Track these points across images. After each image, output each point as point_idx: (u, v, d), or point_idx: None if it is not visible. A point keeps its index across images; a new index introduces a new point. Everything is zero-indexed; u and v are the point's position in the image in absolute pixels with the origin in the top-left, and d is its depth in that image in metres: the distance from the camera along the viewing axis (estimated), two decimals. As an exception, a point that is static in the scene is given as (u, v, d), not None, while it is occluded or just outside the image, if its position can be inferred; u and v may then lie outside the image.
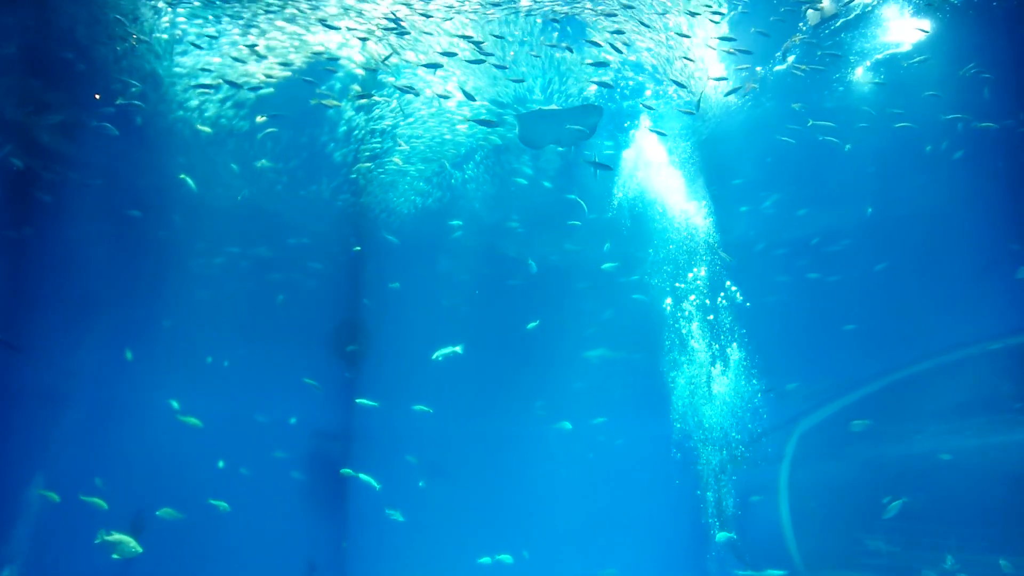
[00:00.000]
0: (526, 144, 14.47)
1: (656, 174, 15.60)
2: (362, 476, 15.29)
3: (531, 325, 17.36)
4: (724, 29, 12.86)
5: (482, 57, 12.29)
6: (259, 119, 13.98)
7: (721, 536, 15.93)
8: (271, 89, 13.07)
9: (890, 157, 14.84)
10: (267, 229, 16.97)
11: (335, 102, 13.12)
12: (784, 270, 17.83)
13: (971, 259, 16.22)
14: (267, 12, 11.95)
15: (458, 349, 15.00)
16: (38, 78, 13.31)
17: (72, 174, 14.60)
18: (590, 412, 19.11)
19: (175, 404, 14.80)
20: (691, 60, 13.22)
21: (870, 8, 12.75)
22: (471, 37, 12.36)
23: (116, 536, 10.59)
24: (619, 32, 12.40)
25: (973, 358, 15.57)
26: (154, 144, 14.46)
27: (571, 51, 13.06)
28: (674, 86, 13.78)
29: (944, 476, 14.70)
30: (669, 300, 16.73)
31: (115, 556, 10.58)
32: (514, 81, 13.49)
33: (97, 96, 13.88)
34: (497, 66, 12.83)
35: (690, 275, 16.46)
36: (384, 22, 11.96)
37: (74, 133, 14.28)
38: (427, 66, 12.28)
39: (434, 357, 15.13)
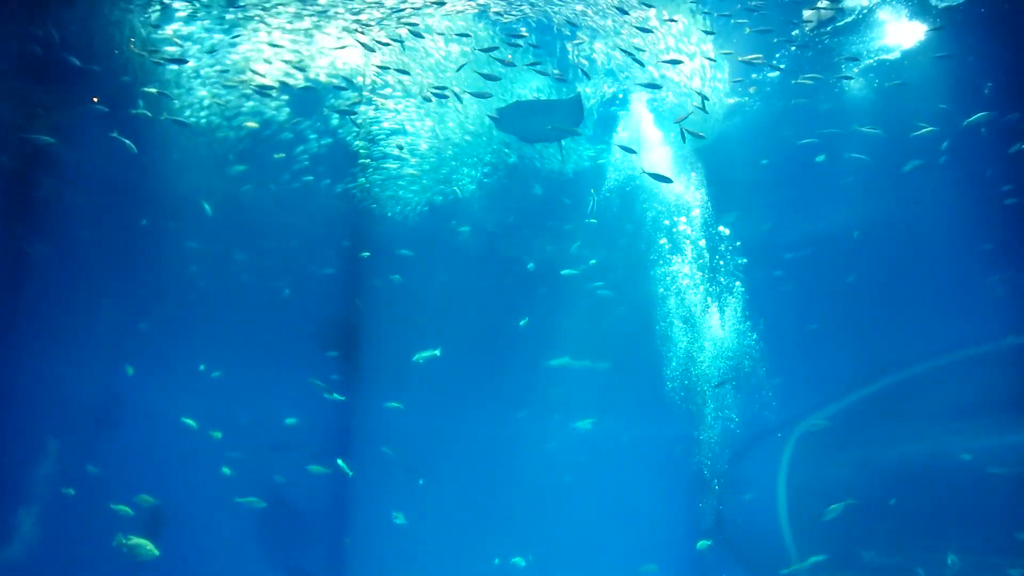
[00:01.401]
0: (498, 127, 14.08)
1: (649, 154, 15.30)
2: (339, 462, 15.31)
3: (523, 322, 17.48)
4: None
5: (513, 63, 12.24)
6: (249, 124, 13.97)
7: (702, 544, 15.94)
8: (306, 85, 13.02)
9: (888, 158, 15.10)
10: (263, 231, 16.92)
11: (357, 98, 13.10)
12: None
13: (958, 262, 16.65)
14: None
15: (436, 352, 15.08)
16: (39, 81, 13.20)
17: (69, 178, 14.47)
18: (586, 412, 19.25)
19: (192, 423, 14.69)
20: (712, 60, 13.20)
21: (865, 12, 12.98)
22: (523, 35, 12.30)
23: (134, 540, 10.53)
24: (646, 30, 12.26)
25: (971, 360, 15.92)
26: (153, 148, 14.34)
27: (588, 76, 13.06)
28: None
29: (942, 478, 15.00)
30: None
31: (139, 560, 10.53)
32: (557, 79, 13.22)
33: (96, 99, 13.78)
34: (530, 64, 12.70)
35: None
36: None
37: (72, 137, 14.16)
38: (484, 76, 12.14)
39: (415, 359, 15.20)
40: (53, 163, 14.31)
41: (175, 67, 12.55)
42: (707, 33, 12.54)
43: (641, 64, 12.78)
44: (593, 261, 17.41)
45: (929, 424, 15.85)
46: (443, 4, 12.12)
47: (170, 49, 12.29)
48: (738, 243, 16.72)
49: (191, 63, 12.64)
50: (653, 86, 13.44)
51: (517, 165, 15.58)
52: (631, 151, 13.23)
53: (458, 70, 12.97)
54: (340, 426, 18.31)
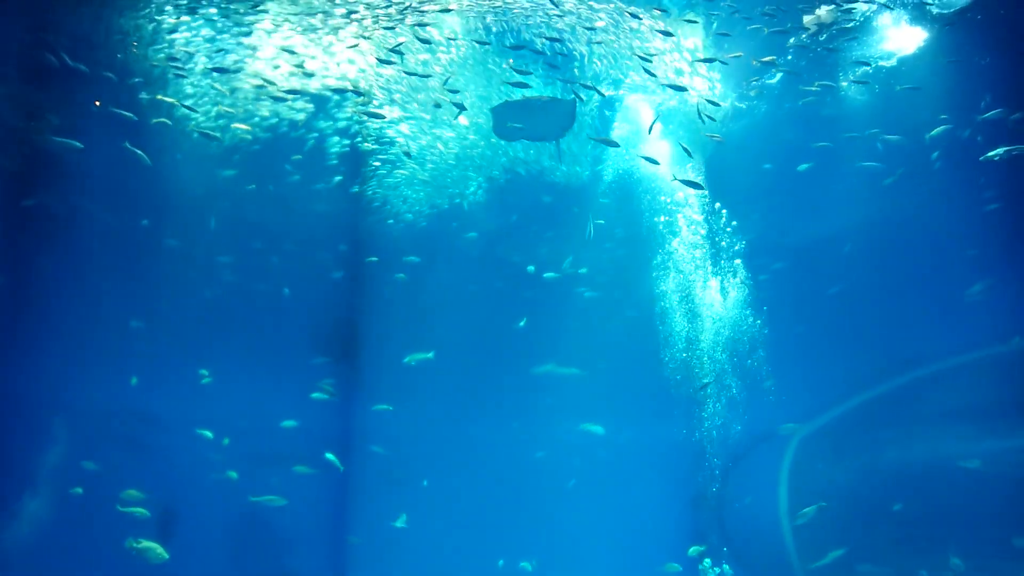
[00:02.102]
0: (501, 137, 14.19)
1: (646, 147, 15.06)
2: (328, 455, 15.34)
3: (522, 323, 17.56)
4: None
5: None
6: (239, 126, 13.96)
7: (694, 550, 15.89)
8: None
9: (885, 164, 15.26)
10: (257, 235, 16.90)
11: (364, 99, 13.15)
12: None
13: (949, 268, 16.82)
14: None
15: (429, 355, 15.10)
16: (42, 85, 13.13)
17: (73, 183, 14.40)
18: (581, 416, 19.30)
19: (209, 434, 14.71)
20: (727, 62, 13.30)
21: (865, 18, 13.12)
22: (554, 39, 12.38)
23: (144, 543, 10.52)
24: (668, 34, 12.39)
25: (969, 365, 16.06)
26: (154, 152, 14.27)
27: (604, 95, 13.07)
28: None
29: (941, 482, 15.12)
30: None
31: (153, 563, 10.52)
32: (587, 87, 13.21)
33: (97, 103, 13.73)
34: (551, 66, 12.80)
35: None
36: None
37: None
38: (514, 84, 12.22)
39: (407, 361, 15.19)
40: (56, 167, 14.23)
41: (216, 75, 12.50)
42: (722, 36, 12.66)
43: (653, 75, 12.83)
44: (583, 270, 17.47)
45: (930, 429, 15.94)
46: (449, 11, 12.22)
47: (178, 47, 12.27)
48: (732, 224, 16.77)
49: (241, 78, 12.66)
50: (679, 88, 13.42)
51: (522, 173, 15.67)
52: (654, 162, 13.22)
53: (444, 84, 13.04)
54: (341, 431, 18.28)
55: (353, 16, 11.80)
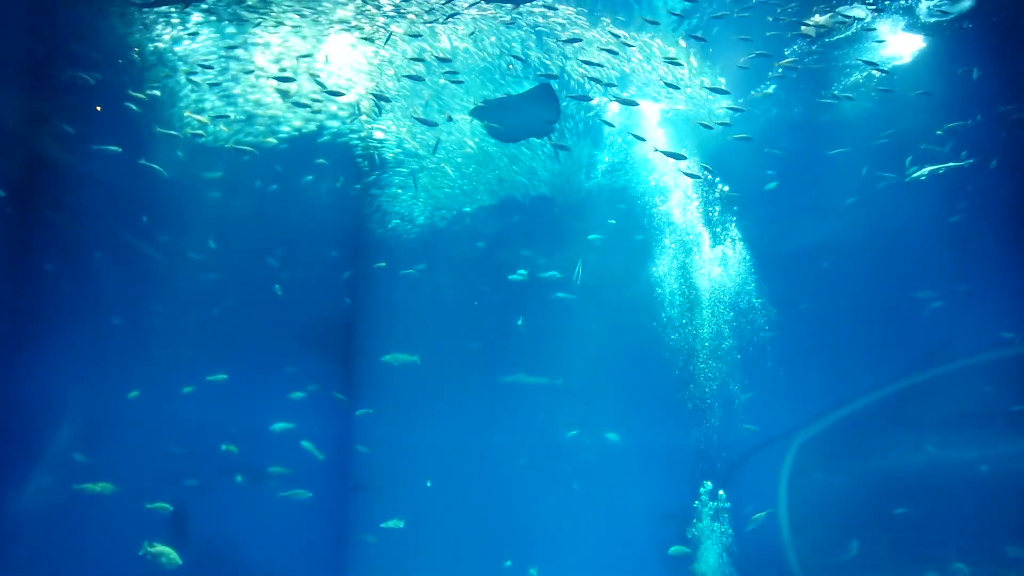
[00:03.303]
0: (497, 139, 14.10)
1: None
2: (304, 444, 15.25)
3: (519, 322, 17.62)
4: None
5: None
6: (220, 127, 13.91)
7: (676, 550, 15.86)
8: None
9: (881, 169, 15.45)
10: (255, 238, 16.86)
11: (371, 105, 13.21)
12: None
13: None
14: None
15: (415, 359, 15.11)
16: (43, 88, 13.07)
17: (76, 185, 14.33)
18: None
19: (233, 448, 14.61)
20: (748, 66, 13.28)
21: (864, 24, 13.34)
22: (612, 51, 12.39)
23: (158, 548, 10.40)
24: (699, 39, 12.38)
25: (968, 370, 16.23)
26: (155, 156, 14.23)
27: (635, 104, 13.29)
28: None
29: (941, 487, 15.24)
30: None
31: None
32: (628, 101, 13.17)
33: (99, 108, 13.69)
34: (593, 79, 12.75)
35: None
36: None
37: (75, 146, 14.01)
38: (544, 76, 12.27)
39: (389, 360, 15.15)
40: (60, 172, 14.15)
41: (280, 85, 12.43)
42: (744, 40, 12.63)
43: (676, 87, 12.90)
44: (554, 272, 17.57)
45: (931, 433, 16.06)
46: (456, 14, 12.31)
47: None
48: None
49: (294, 85, 12.56)
50: (720, 91, 13.37)
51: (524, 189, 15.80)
52: (696, 176, 13.29)
53: (425, 104, 13.08)
54: (345, 437, 18.21)
55: (392, 26, 11.79)
